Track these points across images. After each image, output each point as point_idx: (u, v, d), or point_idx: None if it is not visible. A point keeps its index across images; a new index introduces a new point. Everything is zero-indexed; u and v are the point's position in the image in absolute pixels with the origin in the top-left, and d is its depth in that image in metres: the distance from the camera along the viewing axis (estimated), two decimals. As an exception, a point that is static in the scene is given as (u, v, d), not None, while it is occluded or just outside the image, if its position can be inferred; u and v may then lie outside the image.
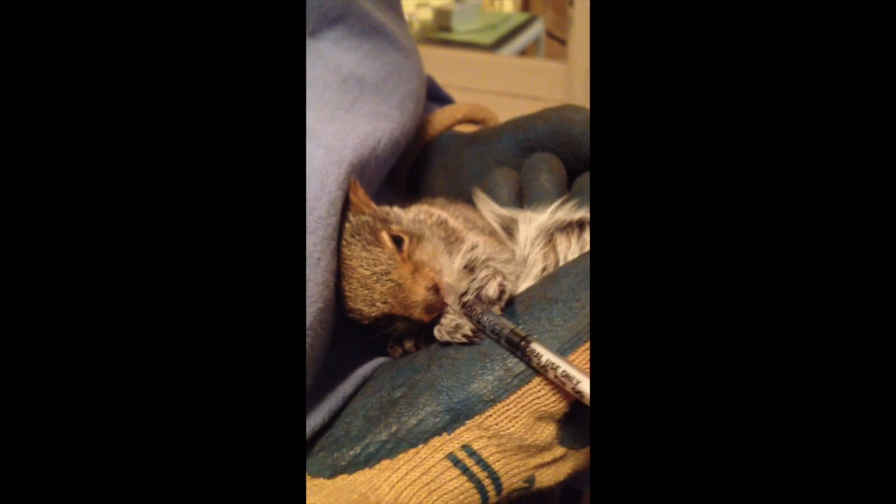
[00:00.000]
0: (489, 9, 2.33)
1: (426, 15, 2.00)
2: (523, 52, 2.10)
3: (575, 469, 0.43)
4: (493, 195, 0.53)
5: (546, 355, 0.36)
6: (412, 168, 0.65)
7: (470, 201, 0.55)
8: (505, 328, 0.37)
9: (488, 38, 1.98)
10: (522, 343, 0.36)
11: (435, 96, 0.73)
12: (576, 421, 0.40)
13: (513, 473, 0.39)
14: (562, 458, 0.41)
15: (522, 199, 0.52)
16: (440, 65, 1.87)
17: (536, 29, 2.12)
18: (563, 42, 2.02)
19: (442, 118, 0.65)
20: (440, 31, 2.04)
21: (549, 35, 2.15)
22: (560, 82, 1.72)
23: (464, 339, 0.39)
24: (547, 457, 0.40)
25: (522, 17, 2.16)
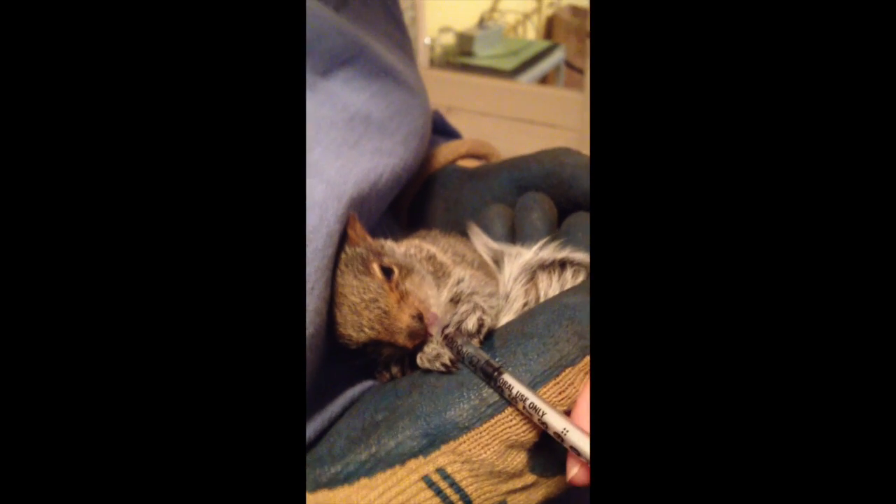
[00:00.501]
0: (512, 35, 2.37)
1: (448, 39, 2.04)
2: (544, 79, 2.14)
3: (546, 496, 0.45)
4: (487, 230, 0.56)
5: (517, 387, 0.38)
6: (415, 199, 0.69)
7: (466, 234, 0.58)
8: (481, 360, 0.40)
9: (509, 63, 2.02)
10: (495, 374, 0.39)
11: (442, 130, 0.77)
12: (546, 450, 0.43)
13: (485, 498, 0.42)
14: (533, 485, 0.44)
15: (515, 234, 0.56)
16: (460, 90, 1.91)
17: (557, 56, 2.15)
18: (580, 72, 2.05)
19: (446, 152, 0.69)
20: (462, 55, 2.08)
21: (568, 65, 2.18)
22: (577, 111, 1.75)
23: (442, 368, 0.42)
24: (518, 483, 0.43)
25: (544, 44, 2.20)
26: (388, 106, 0.57)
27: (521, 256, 0.50)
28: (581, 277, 0.49)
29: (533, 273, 0.48)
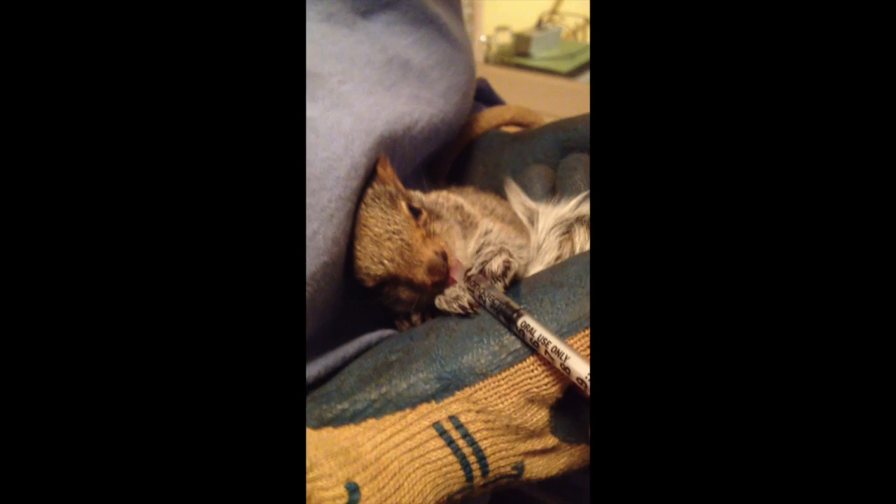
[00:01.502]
0: (571, 39, 2.34)
1: (505, 39, 2.02)
2: (600, 84, 2.09)
3: (569, 466, 0.41)
4: (527, 189, 0.53)
5: (539, 330, 0.35)
6: (455, 164, 0.66)
7: (504, 195, 0.55)
8: (501, 301, 0.37)
9: (565, 66, 1.99)
10: (514, 315, 0.36)
11: (488, 99, 0.74)
12: (571, 412, 0.39)
13: (500, 455, 0.39)
14: (554, 449, 0.40)
15: (556, 196, 0.52)
16: (516, 87, 1.88)
17: (615, 62, 2.10)
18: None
19: (490, 117, 0.66)
20: (518, 56, 2.06)
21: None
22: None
23: (460, 310, 0.39)
24: (538, 444, 0.39)
25: (602, 49, 2.15)
26: (430, 55, 0.55)
27: (557, 210, 0.46)
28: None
29: (569, 227, 0.45)
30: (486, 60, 2.03)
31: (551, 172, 0.54)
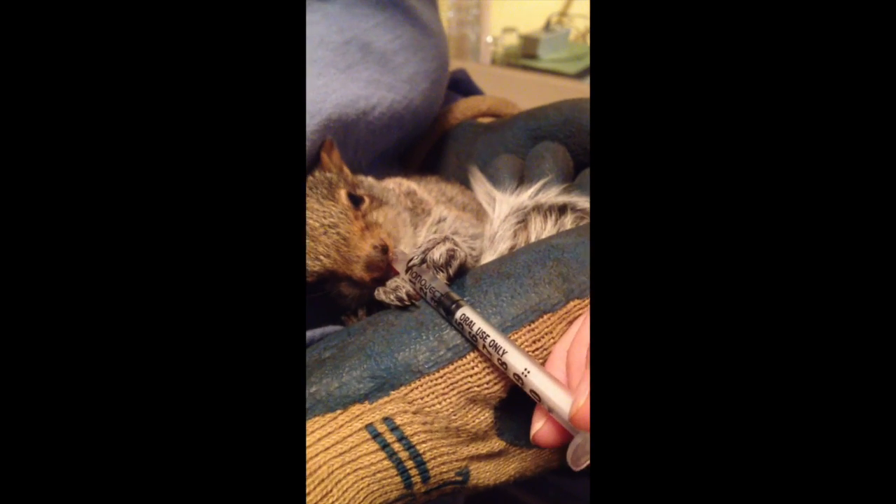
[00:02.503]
0: (581, 41, 2.31)
1: (512, 40, 1.99)
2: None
3: (520, 472, 0.38)
4: (494, 179, 0.50)
5: (478, 323, 0.32)
6: (429, 154, 0.64)
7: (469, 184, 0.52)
8: (441, 292, 0.34)
9: (572, 68, 1.96)
10: (453, 307, 0.33)
11: (467, 90, 0.71)
12: (518, 414, 0.36)
13: (441, 460, 0.36)
14: (501, 453, 0.37)
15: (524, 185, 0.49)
16: (524, 89, 1.85)
17: (625, 63, 2.07)
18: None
19: (465, 108, 0.63)
20: (525, 57, 2.04)
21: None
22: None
23: (397, 302, 0.36)
24: (483, 448, 0.36)
25: (612, 50, 2.12)
26: (395, 39, 0.52)
27: (516, 198, 0.43)
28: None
29: (525, 215, 0.42)
30: (493, 61, 2.00)
31: (519, 162, 0.51)
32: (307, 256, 0.39)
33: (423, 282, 0.36)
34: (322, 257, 0.38)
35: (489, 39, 1.95)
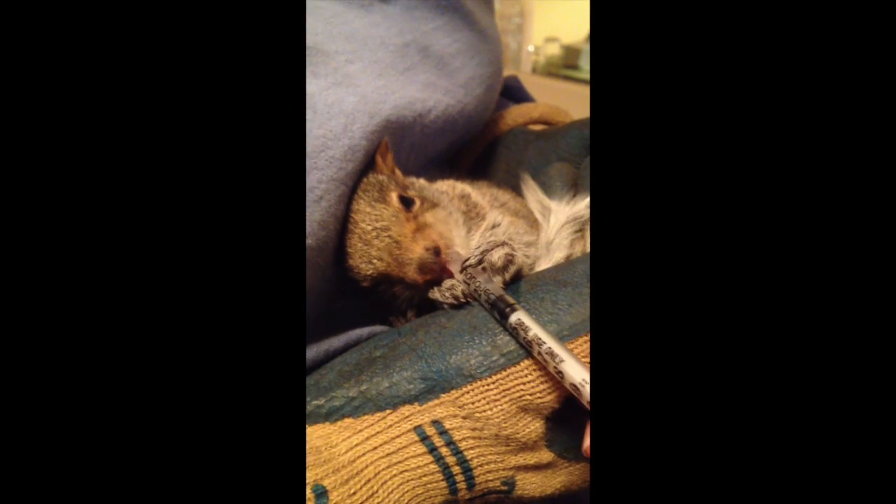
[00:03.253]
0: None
1: (554, 50, 1.99)
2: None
3: (567, 486, 0.38)
4: (546, 187, 0.50)
5: (533, 329, 0.32)
6: (478, 159, 0.63)
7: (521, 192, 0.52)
8: (495, 294, 0.34)
9: (614, 79, 1.94)
10: (508, 310, 0.33)
11: (518, 97, 0.71)
12: (569, 425, 0.35)
13: (488, 468, 0.35)
14: (549, 465, 0.36)
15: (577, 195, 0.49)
16: (565, 99, 1.85)
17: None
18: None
19: (516, 114, 0.63)
20: (566, 67, 2.03)
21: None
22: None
23: (452, 300, 0.35)
24: (531, 458, 0.36)
25: (654, 64, 2.10)
26: (453, 43, 0.52)
27: (572, 207, 0.43)
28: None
29: (583, 225, 0.41)
30: (534, 70, 2.00)
31: (573, 170, 0.51)
32: (361, 259, 0.38)
33: (477, 283, 0.36)
34: (375, 261, 0.38)
35: (531, 49, 1.95)
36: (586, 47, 2.03)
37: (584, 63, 2.04)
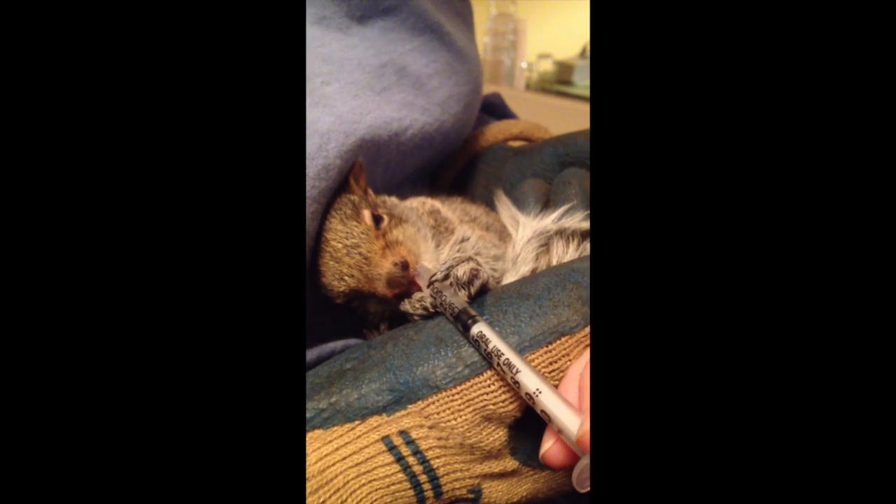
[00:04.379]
0: (616, 69, 2.31)
1: (547, 66, 2.01)
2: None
3: (533, 493, 0.38)
4: (520, 203, 0.51)
5: (493, 341, 0.33)
6: (459, 176, 0.65)
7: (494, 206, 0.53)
8: (459, 307, 0.35)
9: (607, 95, 1.95)
10: (470, 322, 0.34)
11: (501, 113, 0.72)
12: (532, 434, 0.36)
13: (454, 476, 0.36)
14: (514, 472, 0.37)
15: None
16: (558, 115, 1.86)
17: (660, 92, 2.06)
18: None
19: (496, 131, 0.64)
20: (560, 83, 2.05)
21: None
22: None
23: (422, 311, 0.37)
24: (496, 466, 0.37)
25: (648, 79, 2.11)
26: (430, 64, 0.54)
27: (539, 221, 0.44)
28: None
29: (548, 239, 0.43)
30: (528, 87, 2.02)
31: (545, 186, 0.52)
32: (333, 277, 0.40)
33: (443, 297, 0.37)
34: (346, 277, 0.39)
35: (524, 65, 1.97)
36: (579, 63, 2.05)
37: (578, 79, 2.06)
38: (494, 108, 0.72)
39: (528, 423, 0.36)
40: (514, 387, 0.32)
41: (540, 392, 0.30)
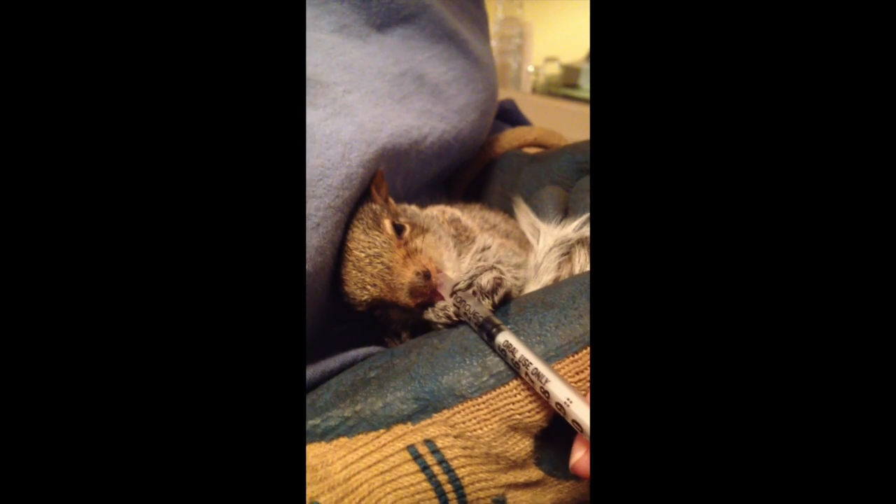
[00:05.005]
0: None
1: (553, 70, 2.01)
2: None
3: (556, 503, 0.39)
4: (538, 210, 0.51)
5: (520, 350, 0.33)
6: (474, 182, 0.65)
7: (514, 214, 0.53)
8: (483, 316, 0.35)
9: (614, 98, 1.96)
10: (494, 331, 0.34)
11: (514, 120, 0.73)
12: (557, 444, 0.36)
13: (479, 486, 0.36)
14: (539, 483, 0.37)
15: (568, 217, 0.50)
16: (564, 118, 1.87)
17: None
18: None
19: (511, 138, 0.65)
20: (566, 86, 2.05)
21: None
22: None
23: (446, 319, 0.37)
24: (521, 476, 0.37)
25: (654, 83, 2.12)
26: (448, 71, 0.54)
27: (560, 230, 0.44)
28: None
29: (570, 248, 0.43)
30: (534, 90, 2.02)
31: (564, 194, 0.52)
32: (356, 286, 0.40)
33: (467, 306, 0.37)
34: (369, 286, 0.39)
35: (530, 69, 1.98)
36: (586, 66, 2.05)
37: (584, 82, 2.06)
38: (508, 115, 0.72)
39: (553, 433, 0.36)
40: (543, 396, 0.32)
41: (571, 402, 0.30)
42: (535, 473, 0.37)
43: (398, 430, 0.35)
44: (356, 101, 0.45)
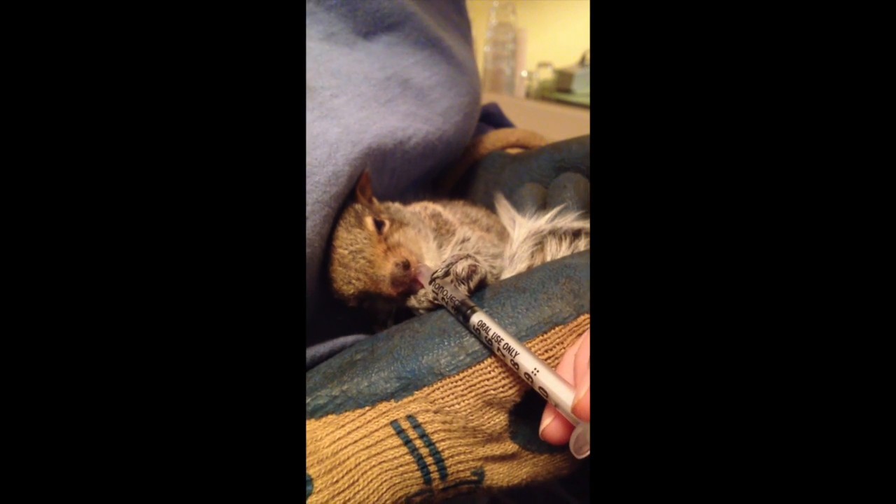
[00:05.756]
0: (615, 77, 2.34)
1: (546, 75, 2.04)
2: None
3: (533, 476, 0.41)
4: (519, 206, 0.54)
5: (493, 328, 0.36)
6: (459, 182, 0.68)
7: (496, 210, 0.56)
8: (458, 299, 0.38)
9: (606, 102, 1.98)
10: (469, 312, 0.37)
11: (499, 123, 0.76)
12: (531, 419, 0.39)
13: (459, 459, 0.39)
14: (514, 456, 0.40)
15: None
16: (558, 123, 1.90)
17: (658, 99, 2.09)
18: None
19: (494, 139, 0.68)
20: (559, 91, 2.08)
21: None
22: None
23: (428, 304, 0.40)
24: (497, 449, 0.39)
25: (646, 86, 2.14)
26: (432, 76, 0.57)
27: (534, 222, 0.47)
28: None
29: (542, 238, 0.46)
30: (528, 95, 2.06)
31: (542, 190, 0.55)
32: (343, 282, 0.43)
33: (445, 293, 0.40)
34: (354, 281, 0.43)
35: (524, 74, 2.01)
36: (579, 71, 2.08)
37: (577, 87, 2.08)
38: (492, 118, 0.75)
39: (527, 410, 0.39)
40: (513, 368, 0.35)
41: (537, 371, 0.33)
42: (510, 447, 0.40)
43: (382, 406, 0.38)
44: (343, 104, 0.48)
